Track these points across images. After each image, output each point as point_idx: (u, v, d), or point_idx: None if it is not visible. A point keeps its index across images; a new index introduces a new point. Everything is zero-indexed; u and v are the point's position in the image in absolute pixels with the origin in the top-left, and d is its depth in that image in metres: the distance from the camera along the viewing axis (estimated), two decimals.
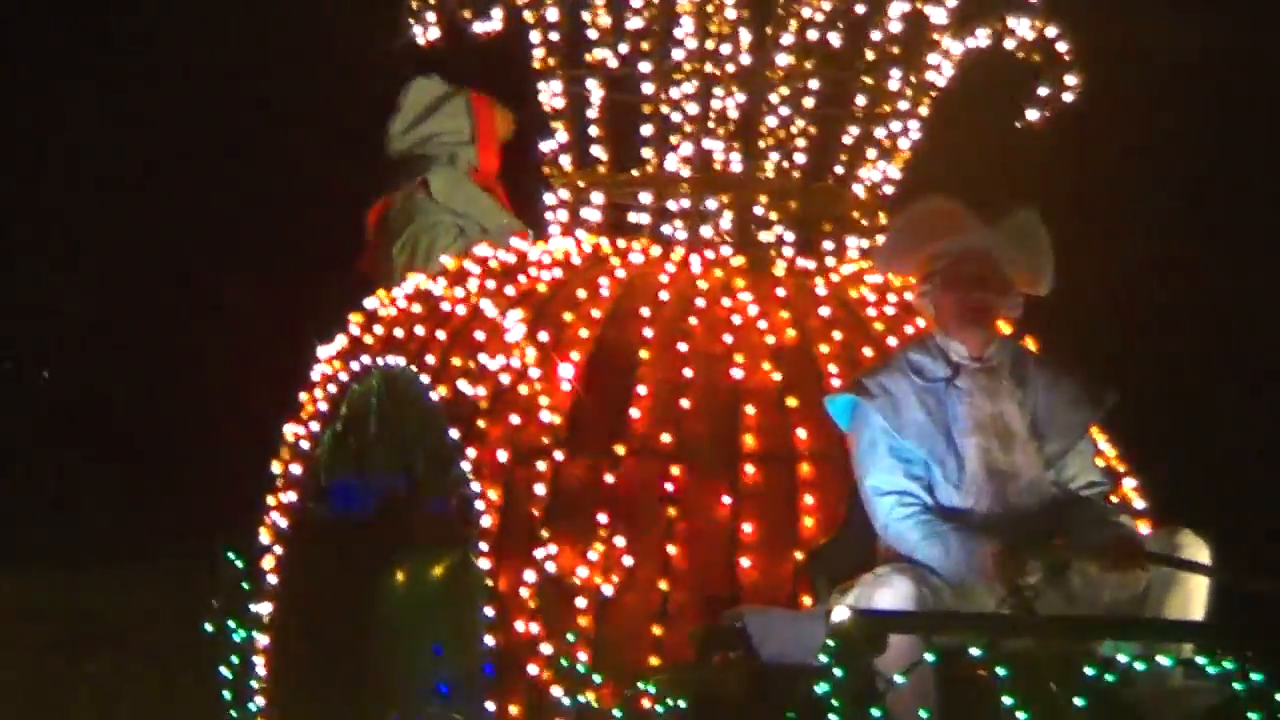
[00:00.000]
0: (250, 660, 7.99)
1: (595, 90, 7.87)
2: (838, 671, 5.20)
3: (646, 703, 6.30)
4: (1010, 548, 5.77)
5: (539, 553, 6.66)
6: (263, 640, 7.87)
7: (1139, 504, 7.11)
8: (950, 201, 6.36)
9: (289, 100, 16.80)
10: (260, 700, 7.70)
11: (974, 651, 5.46)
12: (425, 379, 7.26)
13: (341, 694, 7.60)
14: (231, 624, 8.16)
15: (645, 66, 7.75)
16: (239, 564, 8.29)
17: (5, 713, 10.57)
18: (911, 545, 5.97)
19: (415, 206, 8.92)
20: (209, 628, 8.41)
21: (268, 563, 8.04)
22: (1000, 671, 5.37)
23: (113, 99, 20.99)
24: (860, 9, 7.77)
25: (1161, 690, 5.93)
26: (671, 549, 6.66)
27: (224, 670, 8.23)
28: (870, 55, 7.85)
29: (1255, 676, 5.48)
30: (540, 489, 6.80)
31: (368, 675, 7.54)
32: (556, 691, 6.47)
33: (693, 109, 7.77)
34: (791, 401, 6.94)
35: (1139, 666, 5.70)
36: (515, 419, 6.91)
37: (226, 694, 7.92)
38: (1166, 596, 5.96)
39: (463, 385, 6.98)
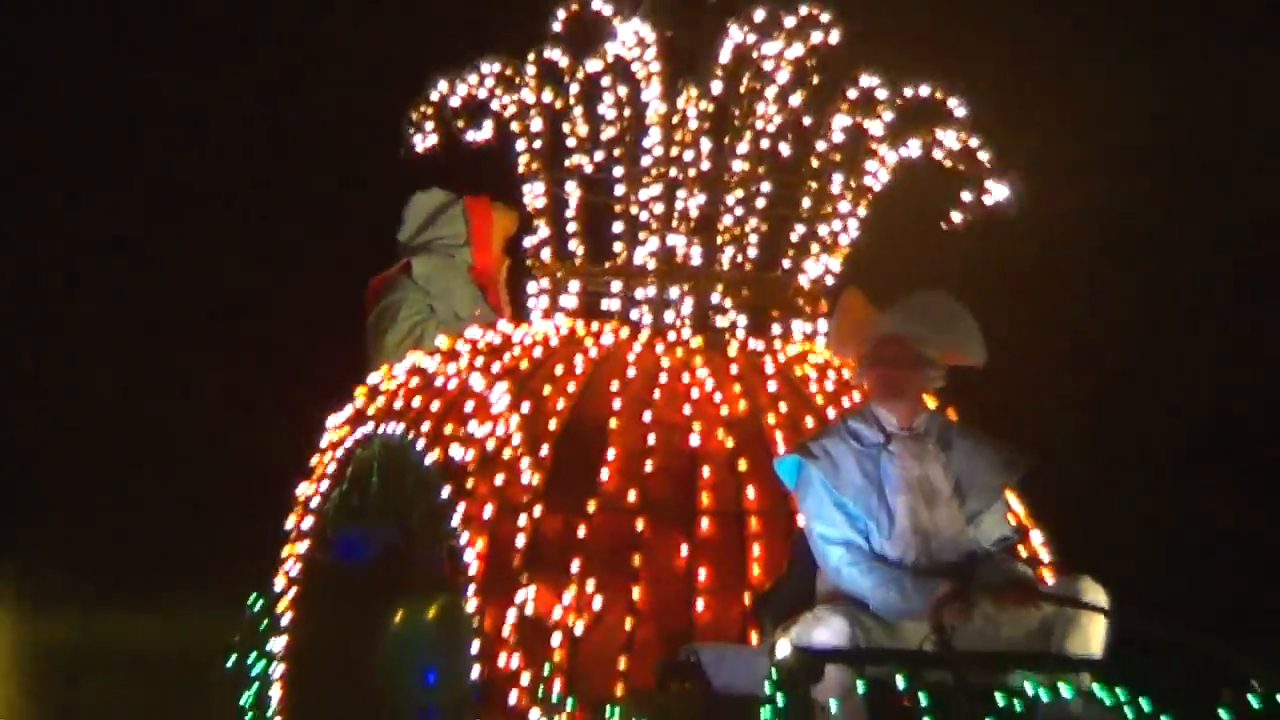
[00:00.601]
0: (267, 689, 8.52)
1: (573, 191, 8.36)
2: (780, 699, 5.77)
3: None
4: (957, 591, 6.25)
5: (519, 595, 7.22)
6: (278, 670, 8.40)
7: (1045, 556, 7.70)
8: (853, 296, 6.87)
9: (294, 196, 16.53)
10: None
11: (900, 682, 5.80)
12: (421, 444, 7.77)
13: (347, 717, 8.14)
14: (251, 657, 8.76)
15: (617, 171, 8.29)
16: (258, 605, 8.71)
17: None
18: (865, 588, 6.39)
19: (397, 284, 9.46)
20: (232, 661, 8.86)
21: (283, 604, 8.56)
22: (922, 700, 5.72)
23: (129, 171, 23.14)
24: (807, 121, 8.32)
25: (1062, 717, 6.13)
26: (635, 592, 7.19)
27: (244, 698, 8.81)
28: (815, 162, 8.35)
29: (1144, 705, 5.82)
30: (521, 539, 7.33)
31: (370, 701, 7.92)
32: (534, 716, 7.04)
33: (659, 209, 8.30)
34: (742, 465, 7.50)
35: (1043, 696, 5.95)
36: (500, 478, 7.43)
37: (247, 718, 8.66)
38: (1069, 634, 6.39)
39: (454, 450, 7.51)
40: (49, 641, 14.65)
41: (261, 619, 8.84)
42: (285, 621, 8.59)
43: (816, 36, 8.37)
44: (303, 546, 8.52)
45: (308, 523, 8.65)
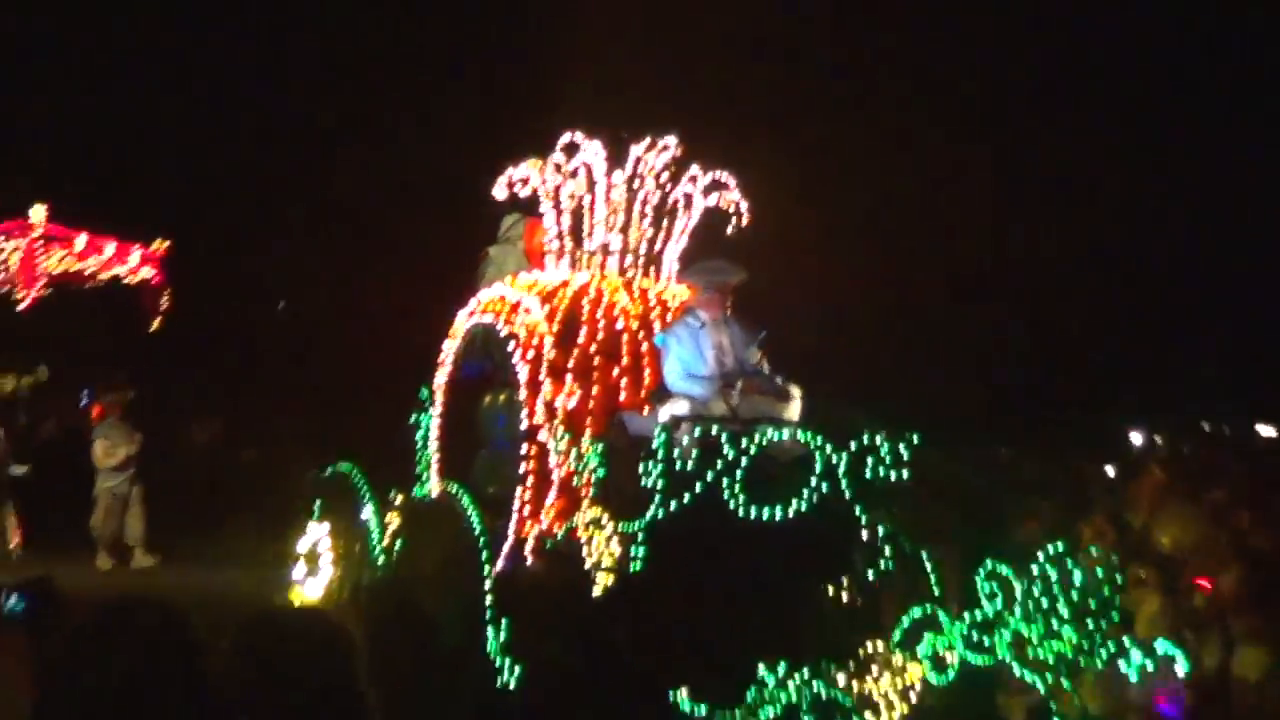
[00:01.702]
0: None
1: (566, 220, 12.84)
2: (662, 437, 10.62)
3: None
4: (731, 385, 10.98)
5: (543, 390, 11.88)
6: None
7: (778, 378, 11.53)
8: (714, 260, 11.76)
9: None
10: None
11: (712, 430, 10.62)
12: (500, 324, 12.32)
13: None
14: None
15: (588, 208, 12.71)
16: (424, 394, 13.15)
17: None
18: (691, 389, 11.19)
19: (487, 256, 13.68)
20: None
21: (439, 384, 12.98)
22: (722, 436, 10.57)
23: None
24: (667, 188, 12.74)
25: (784, 449, 10.92)
26: (594, 389, 12.11)
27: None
28: (668, 206, 12.80)
29: (818, 440, 10.74)
30: (544, 366, 12.02)
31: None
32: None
33: (601, 227, 12.93)
34: (641, 335, 12.33)
35: (773, 436, 10.67)
36: (534, 338, 11.99)
37: None
38: (785, 409, 11.34)
39: (515, 327, 12.15)
40: None
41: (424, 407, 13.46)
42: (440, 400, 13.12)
43: (670, 150, 12.82)
44: (446, 372, 13.23)
45: (449, 360, 13.21)
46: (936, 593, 11.09)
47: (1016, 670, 9.47)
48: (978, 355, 24.77)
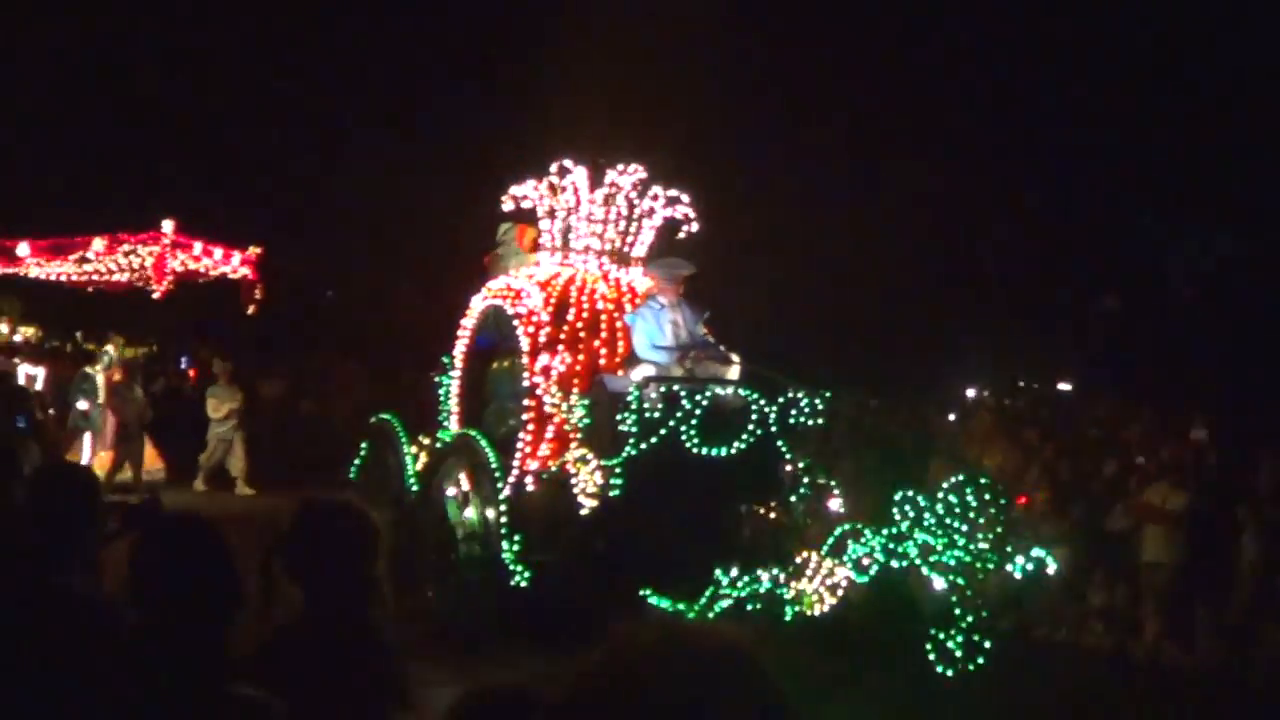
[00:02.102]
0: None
1: (559, 226, 12.33)
2: (635, 391, 10.56)
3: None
4: (686, 350, 10.97)
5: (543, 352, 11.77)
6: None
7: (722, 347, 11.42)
8: (672, 257, 11.72)
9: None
10: None
11: (675, 387, 10.74)
12: (508, 305, 11.98)
13: None
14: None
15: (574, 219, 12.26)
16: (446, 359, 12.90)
17: None
18: (655, 356, 11.06)
19: (494, 257, 13.07)
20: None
21: (459, 348, 12.90)
22: (681, 391, 10.60)
23: None
24: (635, 201, 12.15)
25: (728, 400, 10.88)
26: (579, 346, 11.67)
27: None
28: (636, 215, 12.26)
29: (756, 394, 10.80)
30: (544, 333, 11.83)
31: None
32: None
33: (584, 230, 12.32)
34: (616, 313, 11.89)
35: (719, 391, 10.81)
36: (532, 315, 11.69)
37: None
38: (727, 370, 11.29)
39: (519, 308, 11.78)
40: None
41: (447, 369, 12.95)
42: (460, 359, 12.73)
43: (638, 174, 12.24)
44: (464, 343, 12.74)
45: (467, 334, 12.78)
46: (843, 511, 10.97)
47: (925, 571, 9.20)
48: (864, 332, 24.36)
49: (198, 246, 23.76)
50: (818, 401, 11.07)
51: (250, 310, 24.70)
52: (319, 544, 3.92)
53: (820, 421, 11.25)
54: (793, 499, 11.13)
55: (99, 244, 22.95)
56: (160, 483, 17.92)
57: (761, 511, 10.96)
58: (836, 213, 24.63)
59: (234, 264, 24.32)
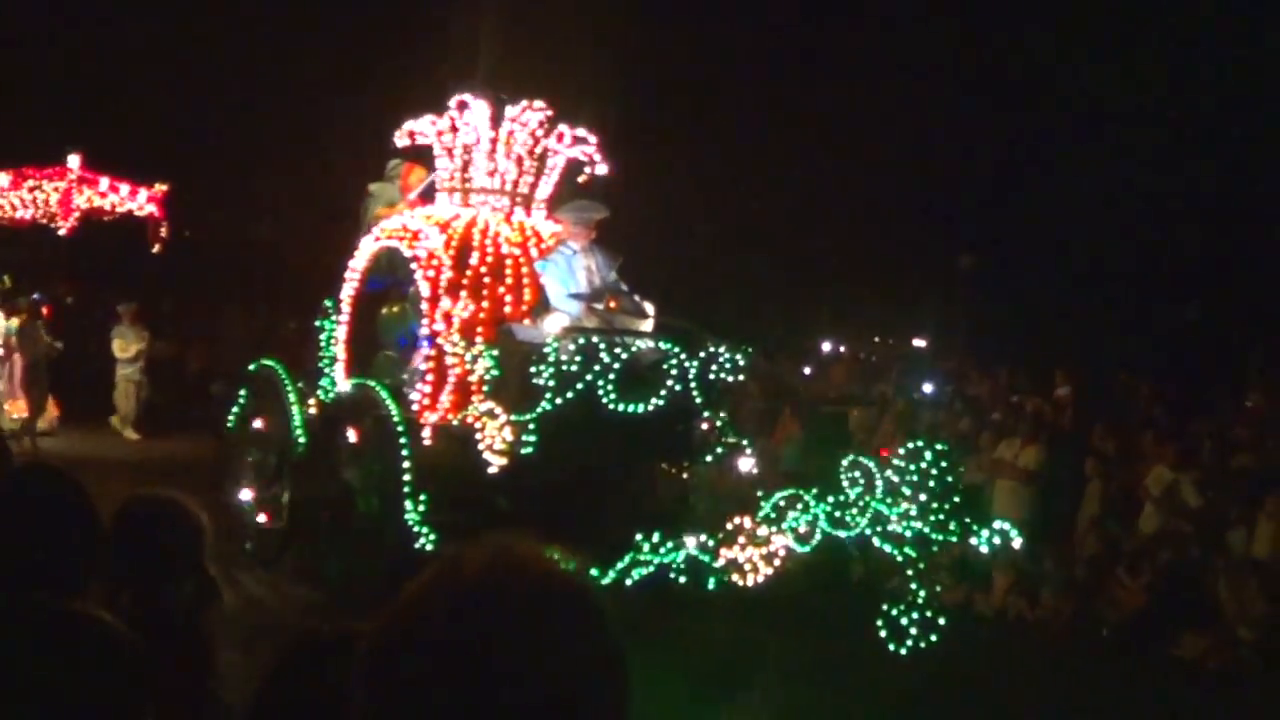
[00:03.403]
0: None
1: (459, 162, 11.64)
2: (554, 344, 10.06)
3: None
4: (594, 298, 10.54)
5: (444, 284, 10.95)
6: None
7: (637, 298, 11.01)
8: (583, 199, 11.25)
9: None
10: None
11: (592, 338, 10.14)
12: (404, 245, 11.11)
13: None
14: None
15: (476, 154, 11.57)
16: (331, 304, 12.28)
17: None
18: (568, 305, 10.57)
19: (370, 193, 12.44)
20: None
21: (346, 297, 12.31)
22: (596, 339, 10.17)
23: None
24: (541, 139, 11.54)
25: (642, 357, 10.43)
26: (483, 289, 10.99)
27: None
28: (536, 157, 11.64)
29: (675, 346, 10.26)
30: (447, 273, 10.94)
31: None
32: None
33: (486, 168, 11.65)
34: (521, 255, 11.25)
35: (636, 346, 10.31)
36: (433, 257, 10.89)
37: None
38: (640, 322, 10.74)
39: (418, 250, 10.97)
40: None
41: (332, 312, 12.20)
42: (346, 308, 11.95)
43: (541, 112, 11.62)
44: (353, 286, 11.98)
45: (356, 276, 12.02)
46: (755, 471, 10.62)
47: (877, 542, 8.31)
48: (739, 290, 23.97)
49: (104, 182, 23.38)
50: (739, 357, 10.58)
51: (156, 249, 24.06)
52: (140, 547, 3.76)
53: (740, 378, 10.74)
54: (707, 459, 10.63)
55: (2, 179, 22.49)
56: (31, 429, 17.16)
57: (674, 471, 10.59)
58: (714, 164, 24.52)
59: (140, 201, 23.69)
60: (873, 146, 24.58)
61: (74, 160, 23.07)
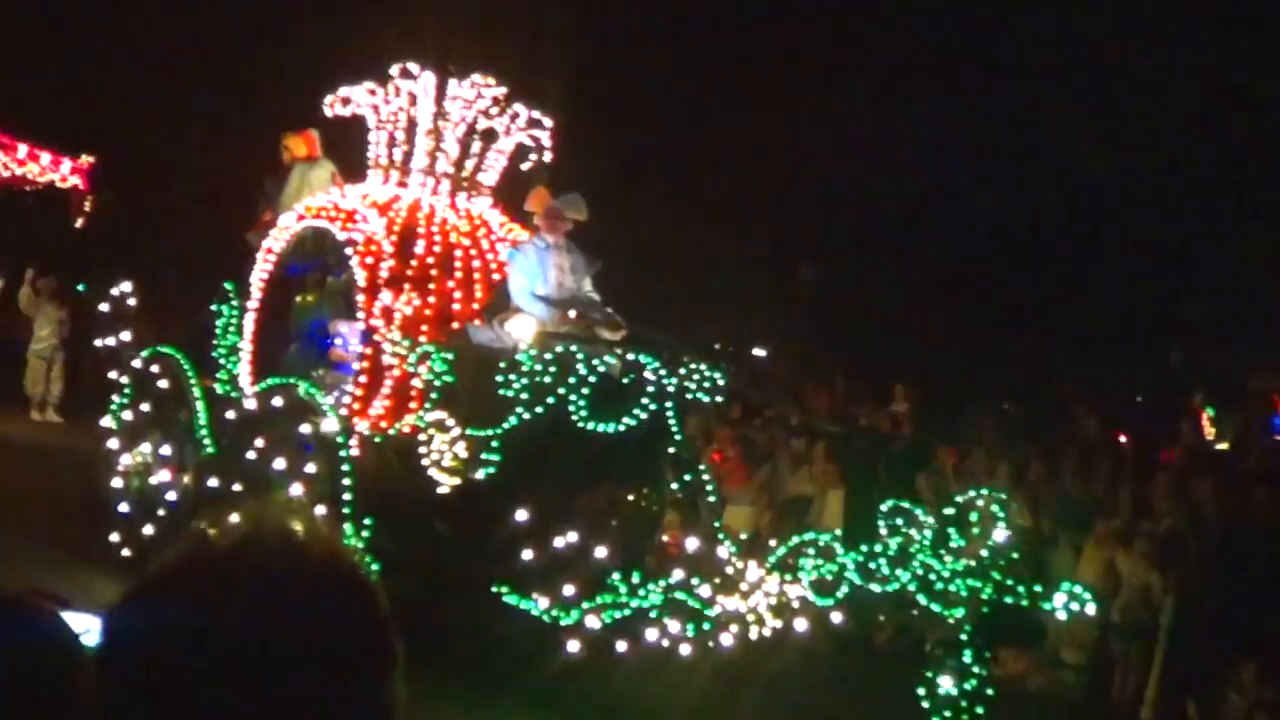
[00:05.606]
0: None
1: (399, 141, 10.53)
2: (530, 353, 8.83)
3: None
4: (569, 305, 9.45)
5: (383, 271, 9.64)
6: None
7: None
8: (539, 191, 10.28)
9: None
10: None
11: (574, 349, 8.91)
12: (338, 228, 9.99)
13: None
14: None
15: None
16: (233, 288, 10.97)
17: None
18: (533, 307, 9.40)
19: (295, 168, 11.61)
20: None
21: (254, 288, 10.86)
22: (574, 348, 8.96)
23: None
24: (487, 116, 10.53)
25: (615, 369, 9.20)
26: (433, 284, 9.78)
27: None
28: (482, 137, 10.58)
29: (646, 359, 8.99)
30: (387, 263, 9.75)
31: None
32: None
33: (426, 147, 10.54)
34: (471, 244, 10.16)
35: (644, 359, 9.04)
36: (371, 244, 9.76)
37: None
38: (616, 330, 9.57)
39: (353, 234, 9.90)
40: None
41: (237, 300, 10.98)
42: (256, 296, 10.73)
43: (491, 88, 10.56)
44: (269, 266, 10.67)
45: (272, 259, 10.74)
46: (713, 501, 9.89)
47: (924, 600, 7.54)
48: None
49: (23, 149, 21.63)
50: (717, 375, 9.37)
51: (79, 223, 22.53)
52: None
53: (718, 399, 9.69)
54: (673, 486, 9.59)
55: None
56: None
57: (645, 501, 9.46)
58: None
59: (64, 172, 22.28)
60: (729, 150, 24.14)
61: None
